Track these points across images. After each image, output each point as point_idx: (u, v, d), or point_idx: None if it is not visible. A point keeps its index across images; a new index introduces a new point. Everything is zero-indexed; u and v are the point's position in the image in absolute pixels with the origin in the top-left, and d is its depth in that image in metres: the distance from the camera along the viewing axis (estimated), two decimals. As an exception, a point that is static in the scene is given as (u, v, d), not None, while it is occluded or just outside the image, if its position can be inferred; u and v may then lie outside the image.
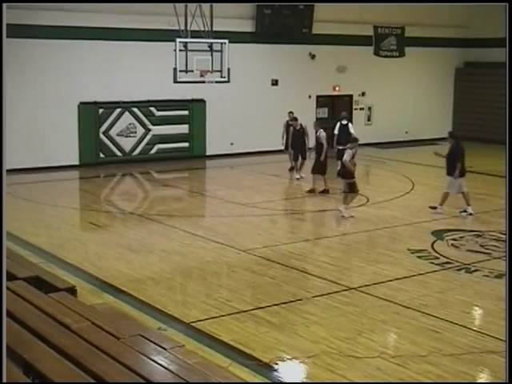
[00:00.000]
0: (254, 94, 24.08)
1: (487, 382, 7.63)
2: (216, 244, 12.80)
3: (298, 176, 19.65)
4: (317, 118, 17.72)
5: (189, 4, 18.49)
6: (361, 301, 9.84)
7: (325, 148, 17.53)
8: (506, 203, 6.14)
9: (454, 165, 15.59)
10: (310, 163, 18.41)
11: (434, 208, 15.63)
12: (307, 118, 21.74)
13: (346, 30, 25.31)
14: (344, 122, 20.33)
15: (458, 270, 11.37)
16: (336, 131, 20.20)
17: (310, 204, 17.37)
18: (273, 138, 22.87)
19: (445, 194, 15.66)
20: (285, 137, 20.18)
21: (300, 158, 19.72)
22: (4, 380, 5.07)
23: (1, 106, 5.69)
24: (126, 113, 22.03)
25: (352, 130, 19.85)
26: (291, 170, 20.27)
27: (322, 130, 17.91)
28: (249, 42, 23.47)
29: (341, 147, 19.10)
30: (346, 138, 18.49)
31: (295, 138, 19.67)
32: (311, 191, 17.58)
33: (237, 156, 23.27)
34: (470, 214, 15.40)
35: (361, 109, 26.87)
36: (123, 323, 7.30)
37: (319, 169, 17.60)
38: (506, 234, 12.87)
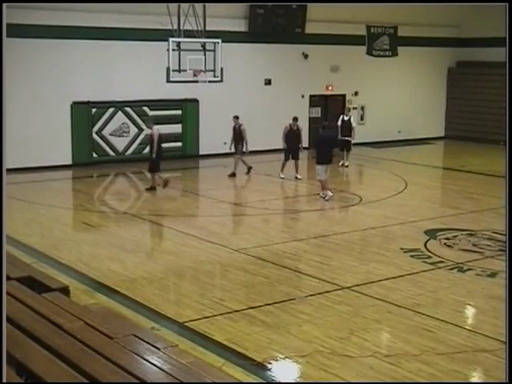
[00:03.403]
0: (247, 94, 24.09)
1: (487, 382, 7.62)
2: (209, 243, 12.80)
3: (282, 176, 19.67)
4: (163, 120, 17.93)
5: (182, 4, 18.48)
6: (354, 300, 9.85)
7: (155, 145, 17.68)
8: (505, 203, 6.15)
9: (318, 153, 16.92)
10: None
11: (325, 197, 16.75)
12: (301, 117, 21.74)
13: (338, 30, 25.34)
14: (346, 117, 22.19)
15: (451, 269, 11.40)
16: (339, 123, 22.01)
17: (302, 203, 17.40)
18: (266, 138, 22.95)
19: (320, 182, 16.91)
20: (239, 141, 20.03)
21: (292, 159, 19.74)
22: (4, 380, 5.07)
23: (1, 105, 5.69)
24: (119, 112, 22.01)
25: (339, 122, 22.14)
26: (232, 175, 20.07)
27: (155, 128, 17.99)
28: (242, 42, 23.47)
29: (342, 138, 21.75)
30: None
31: (289, 138, 19.69)
32: (165, 185, 17.81)
33: (230, 155, 23.22)
34: (325, 198, 16.71)
35: (354, 108, 26.89)
36: (116, 323, 7.29)
37: (154, 166, 17.79)
38: (505, 235, 12.89)
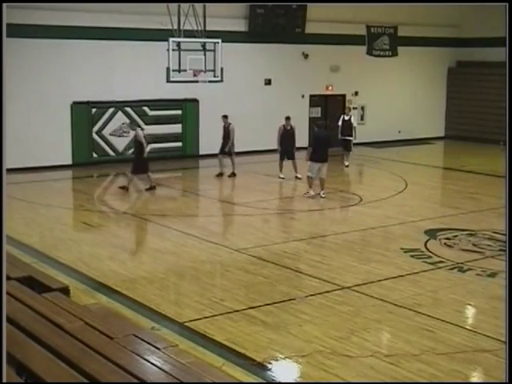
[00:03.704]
0: (247, 94, 24.09)
1: (488, 382, 7.62)
2: (209, 243, 12.81)
3: (282, 176, 19.61)
4: (133, 120, 17.75)
5: (182, 4, 18.48)
6: (354, 300, 9.85)
7: (145, 146, 17.69)
8: (506, 203, 6.14)
9: (313, 151, 17.12)
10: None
11: (306, 193, 17.09)
12: (300, 117, 21.77)
13: (338, 30, 25.33)
14: (346, 117, 22.27)
15: (451, 269, 11.39)
16: (340, 123, 22.25)
17: (302, 203, 17.37)
18: (266, 138, 22.90)
19: (308, 178, 17.15)
20: (228, 142, 19.77)
21: (286, 158, 19.72)
22: (4, 380, 5.06)
23: (1, 105, 5.69)
24: (119, 112, 22.00)
25: (340, 122, 22.36)
26: (232, 175, 19.84)
27: (139, 129, 18.01)
28: (242, 42, 23.46)
29: (343, 138, 22.08)
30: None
31: (283, 138, 19.63)
32: (124, 188, 17.75)
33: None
34: (322, 197, 17.01)
35: (354, 108, 26.89)
36: (116, 323, 7.29)
37: (141, 168, 17.69)
38: (505, 235, 12.89)
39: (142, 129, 18.67)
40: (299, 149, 19.85)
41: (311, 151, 17.09)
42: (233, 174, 19.94)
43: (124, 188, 17.77)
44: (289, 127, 19.66)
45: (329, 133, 18.88)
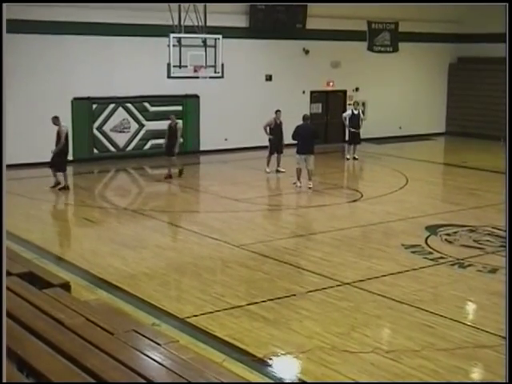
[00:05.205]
0: (248, 90, 24.07)
1: (488, 381, 7.61)
2: (210, 239, 12.81)
3: (268, 170, 19.63)
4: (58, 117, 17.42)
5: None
6: (355, 296, 9.86)
7: (62, 143, 17.35)
8: (506, 199, 6.14)
9: (297, 143, 17.72)
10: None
11: (295, 183, 17.68)
12: (301, 113, 21.68)
13: (339, 26, 25.29)
14: (355, 111, 22.69)
15: (452, 265, 11.39)
16: (348, 117, 22.70)
17: (303, 199, 17.39)
18: (266, 134, 22.90)
19: (297, 170, 17.69)
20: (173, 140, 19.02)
21: (276, 153, 19.73)
22: (4, 380, 5.06)
23: (1, 102, 5.68)
24: (120, 108, 21.99)
25: (347, 115, 22.81)
26: (168, 177, 18.96)
27: (64, 126, 17.68)
28: (242, 38, 23.43)
29: (353, 130, 22.57)
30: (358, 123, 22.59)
31: (274, 131, 19.60)
32: (64, 187, 17.35)
33: (231, 151, 23.25)
34: (295, 184, 17.66)
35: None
36: (117, 319, 7.30)
37: (60, 165, 17.37)
38: (505, 230, 12.89)
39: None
40: (287, 145, 19.68)
41: (296, 144, 17.63)
42: (169, 177, 18.99)
43: (64, 188, 17.33)
44: (279, 121, 19.64)
45: (312, 125, 18.96)
